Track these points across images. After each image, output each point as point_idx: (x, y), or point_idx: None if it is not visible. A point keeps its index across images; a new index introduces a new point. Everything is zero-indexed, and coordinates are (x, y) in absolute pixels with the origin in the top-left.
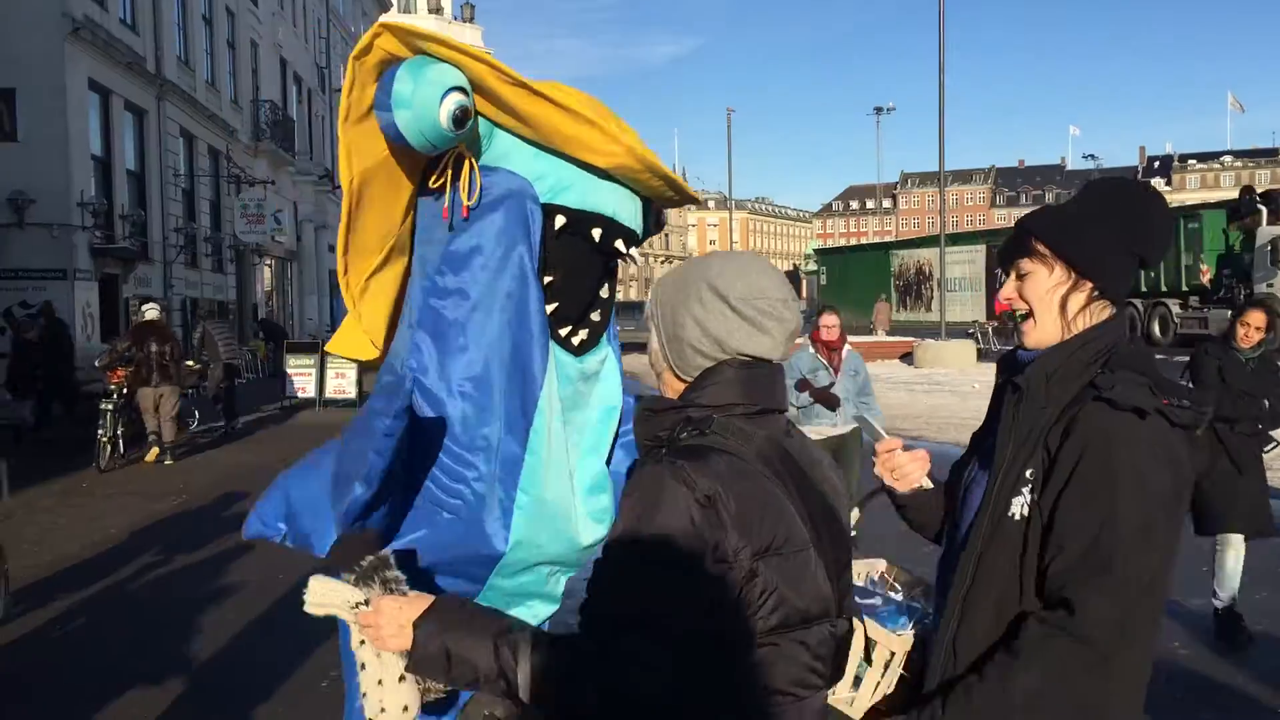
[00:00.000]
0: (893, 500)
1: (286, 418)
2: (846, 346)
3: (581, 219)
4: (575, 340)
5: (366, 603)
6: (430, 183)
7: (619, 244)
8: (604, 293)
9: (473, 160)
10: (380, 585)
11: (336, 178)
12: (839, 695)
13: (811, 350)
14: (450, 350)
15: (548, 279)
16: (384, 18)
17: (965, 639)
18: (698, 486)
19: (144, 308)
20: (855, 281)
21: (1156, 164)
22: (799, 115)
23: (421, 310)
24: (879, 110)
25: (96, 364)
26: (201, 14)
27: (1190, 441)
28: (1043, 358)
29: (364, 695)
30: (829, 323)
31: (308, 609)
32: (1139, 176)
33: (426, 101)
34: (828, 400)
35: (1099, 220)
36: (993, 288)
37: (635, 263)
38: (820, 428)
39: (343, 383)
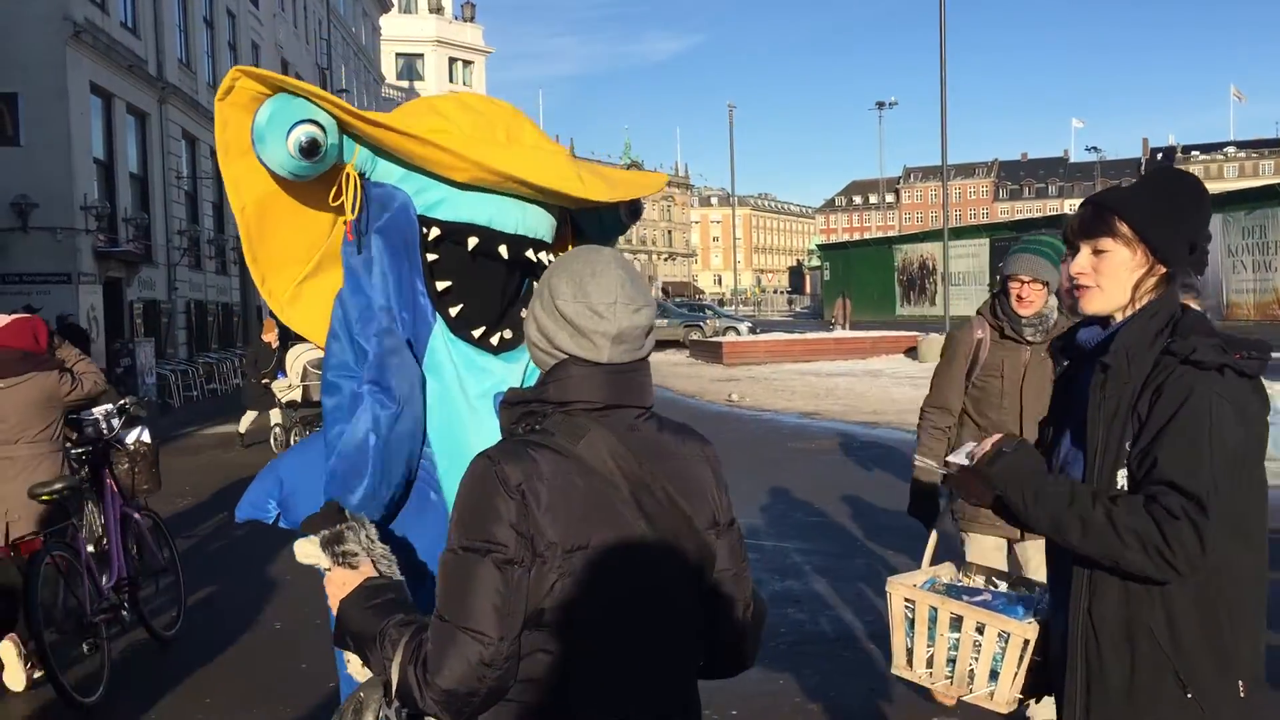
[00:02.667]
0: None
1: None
2: None
3: (454, 229)
4: (494, 340)
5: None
6: (330, 200)
7: (501, 250)
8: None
9: (357, 179)
10: (332, 557)
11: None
12: (978, 692)
13: None
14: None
15: (444, 285)
16: (382, 18)
17: (1099, 609)
18: (510, 481)
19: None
20: (859, 277)
21: (1160, 156)
22: (801, 111)
23: (347, 319)
24: (881, 105)
25: None
26: (203, 16)
27: (1256, 387)
28: (1121, 336)
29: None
30: None
31: (297, 559)
32: (1142, 168)
33: (275, 134)
34: None
35: (1180, 213)
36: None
37: (537, 266)
38: None
39: None
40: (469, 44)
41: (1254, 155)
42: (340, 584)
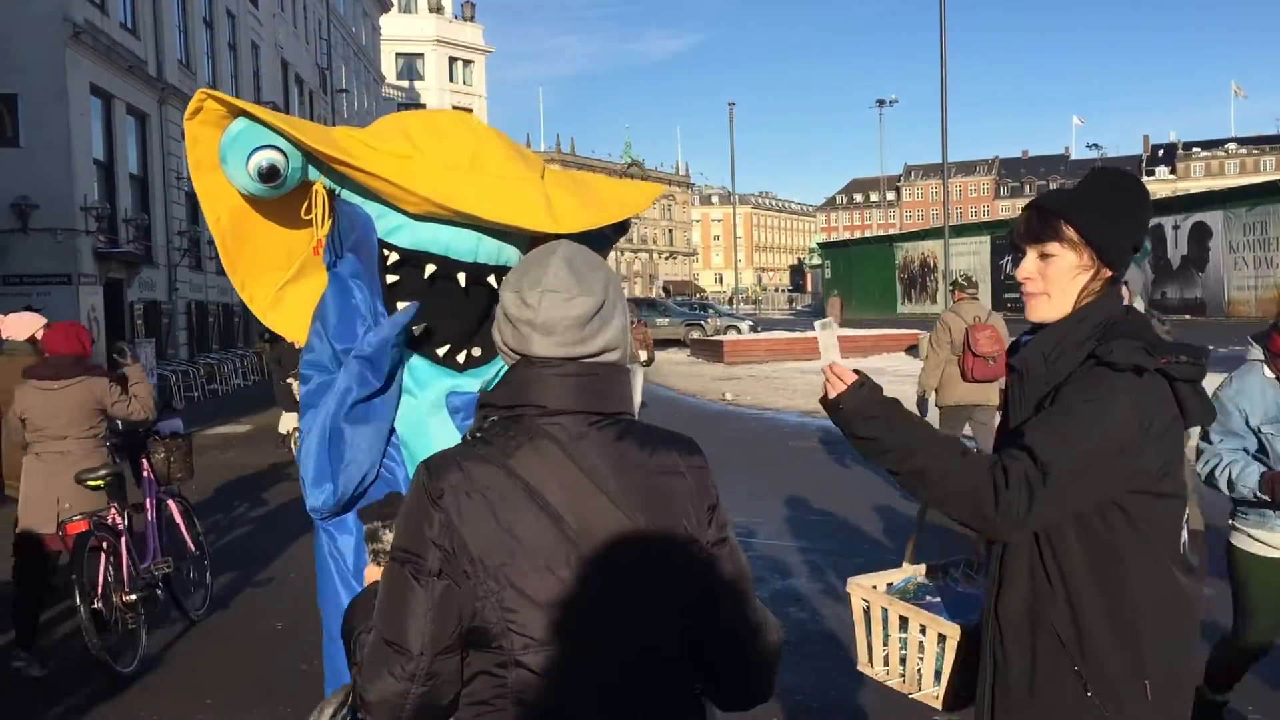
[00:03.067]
0: None
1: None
2: None
3: (412, 256)
4: (459, 358)
5: None
6: (302, 214)
7: (459, 277)
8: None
9: (325, 195)
10: (369, 554)
11: None
12: (925, 692)
13: (1267, 371)
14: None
15: (406, 305)
16: (382, 18)
17: (1005, 604)
18: (433, 491)
19: None
20: (860, 275)
21: (1161, 153)
22: (801, 109)
23: (328, 322)
24: (881, 103)
25: None
26: (202, 17)
27: (1196, 392)
28: (1039, 339)
29: None
30: None
31: None
32: (1144, 165)
33: (236, 159)
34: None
35: (1123, 213)
36: (998, 279)
37: (493, 292)
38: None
39: None
40: (469, 43)
41: (1255, 151)
42: (370, 581)
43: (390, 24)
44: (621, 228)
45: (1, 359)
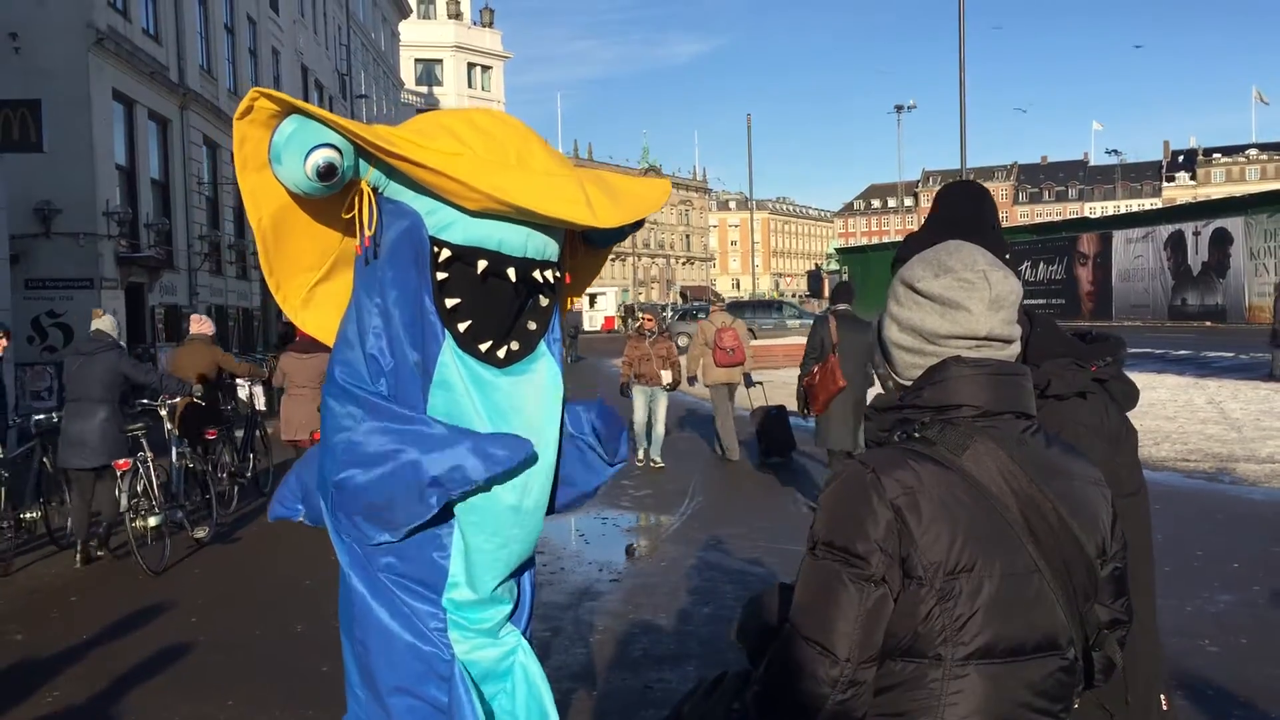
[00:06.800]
0: None
1: None
2: None
3: (465, 252)
4: (500, 353)
5: None
6: (343, 214)
7: (509, 272)
8: (543, 302)
9: (371, 194)
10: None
11: None
12: None
13: None
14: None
15: (453, 302)
16: (401, 24)
17: None
18: (886, 493)
19: None
20: (878, 280)
21: (1181, 158)
22: (820, 114)
23: (361, 331)
24: (900, 108)
25: None
26: (223, 23)
27: (1120, 379)
28: None
29: None
30: None
31: None
32: (1164, 171)
33: (293, 157)
34: None
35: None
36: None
37: (550, 288)
38: None
39: None
40: (487, 49)
41: (1276, 158)
42: None
43: (409, 30)
44: (638, 223)
45: (186, 345)
